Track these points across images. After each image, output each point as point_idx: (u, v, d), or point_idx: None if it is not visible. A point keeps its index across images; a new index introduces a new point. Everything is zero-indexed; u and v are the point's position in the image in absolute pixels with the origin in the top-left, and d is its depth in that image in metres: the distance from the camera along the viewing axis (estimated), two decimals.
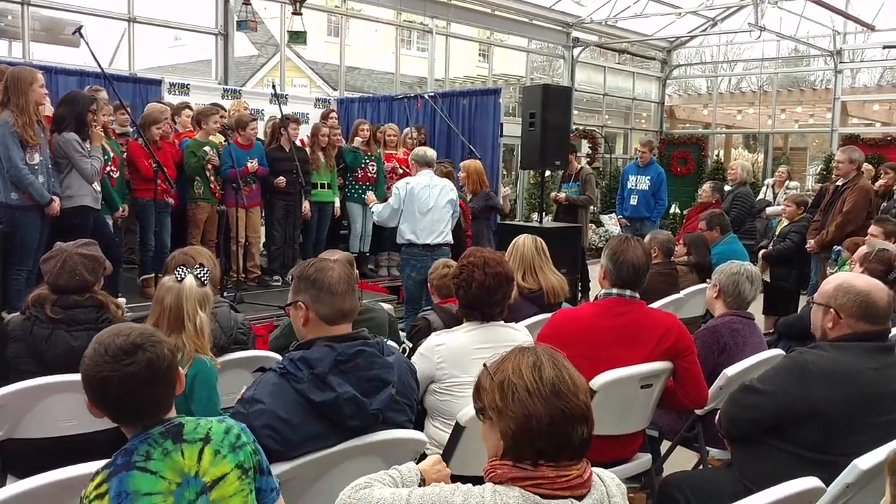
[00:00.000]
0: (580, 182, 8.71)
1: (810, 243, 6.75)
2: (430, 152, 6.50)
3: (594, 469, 1.65)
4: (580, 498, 1.55)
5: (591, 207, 9.37)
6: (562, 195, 8.66)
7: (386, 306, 4.84)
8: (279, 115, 7.40)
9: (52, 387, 2.79)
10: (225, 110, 7.23)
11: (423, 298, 6.05)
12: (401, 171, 8.34)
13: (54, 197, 5.12)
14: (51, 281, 3.02)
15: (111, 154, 6.17)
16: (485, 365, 1.67)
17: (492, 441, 1.61)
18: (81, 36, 5.68)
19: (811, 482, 2.08)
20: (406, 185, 6.14)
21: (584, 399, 1.58)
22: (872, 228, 5.27)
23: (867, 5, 13.37)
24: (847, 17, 13.10)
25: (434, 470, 1.94)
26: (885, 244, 4.65)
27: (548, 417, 1.53)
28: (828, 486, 2.15)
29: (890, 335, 2.72)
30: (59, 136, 5.24)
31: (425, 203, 6.10)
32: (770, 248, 7.38)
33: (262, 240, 7.80)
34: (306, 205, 7.54)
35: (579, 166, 9.04)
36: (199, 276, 2.72)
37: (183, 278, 2.68)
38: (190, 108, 7.47)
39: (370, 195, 6.88)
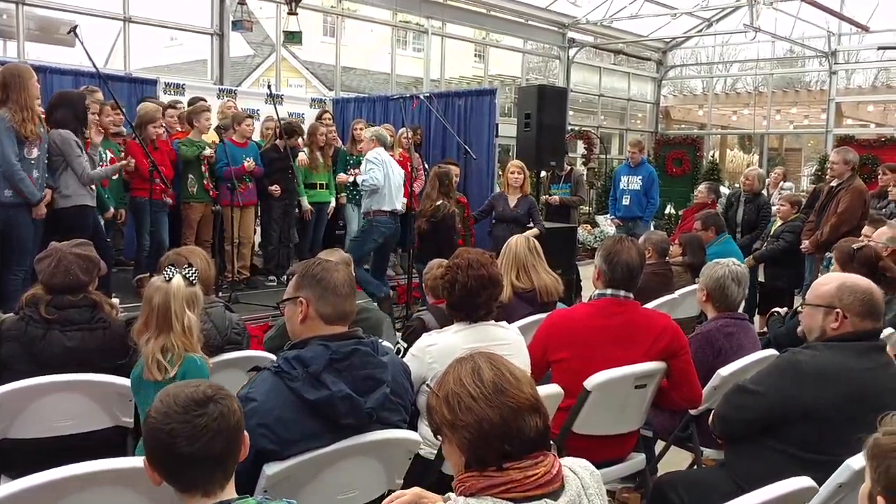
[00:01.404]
0: (572, 183, 8.74)
1: (805, 244, 6.76)
2: (388, 135, 7.08)
3: (565, 461, 1.65)
4: (554, 495, 1.54)
5: (582, 207, 9.41)
6: (555, 198, 8.68)
7: None
8: (275, 118, 7.40)
9: (47, 387, 2.79)
10: (209, 111, 7.19)
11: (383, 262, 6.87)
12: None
13: (46, 193, 5.08)
14: (45, 280, 3.01)
15: (109, 154, 6.17)
16: (428, 385, 1.67)
17: (454, 457, 1.61)
18: (76, 35, 5.66)
19: (804, 482, 2.09)
20: (377, 157, 6.58)
21: (530, 391, 1.59)
22: (866, 229, 5.27)
23: (861, 7, 13.43)
24: (841, 18, 13.15)
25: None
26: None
27: (498, 417, 1.53)
28: (821, 485, 2.15)
29: (881, 335, 2.73)
30: (55, 133, 5.21)
31: (392, 174, 6.63)
32: (763, 248, 7.39)
33: (256, 240, 7.78)
34: (304, 202, 7.54)
35: (570, 167, 9.08)
36: (187, 275, 2.71)
37: (171, 278, 2.68)
38: (174, 107, 7.41)
39: (341, 176, 7.11)
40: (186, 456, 1.63)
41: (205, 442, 1.63)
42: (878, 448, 1.47)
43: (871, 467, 1.48)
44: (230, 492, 1.71)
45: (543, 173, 9.12)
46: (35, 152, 4.97)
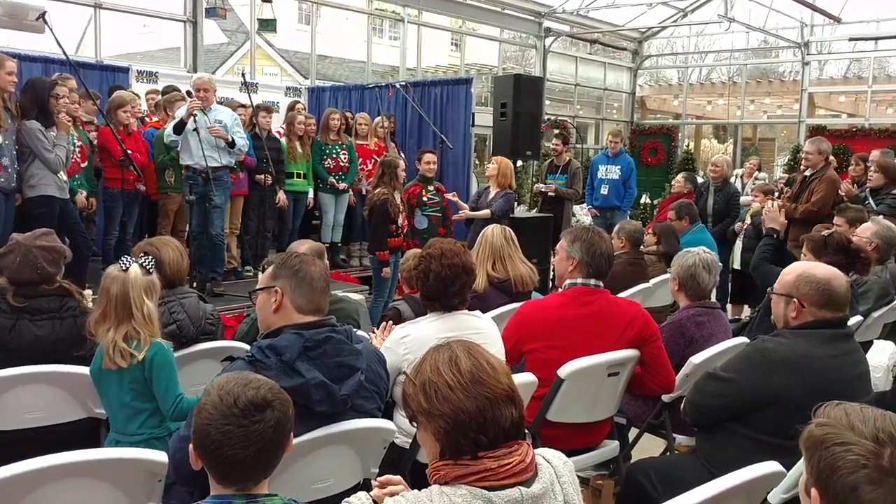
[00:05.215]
0: (569, 175, 8.72)
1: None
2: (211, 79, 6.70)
3: (538, 451, 1.67)
4: (527, 483, 1.56)
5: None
6: (552, 186, 8.65)
7: (356, 297, 4.86)
8: (250, 104, 7.34)
9: (17, 378, 2.76)
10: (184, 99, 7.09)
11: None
12: (374, 160, 8.34)
13: None
14: (12, 277, 2.96)
15: (77, 143, 6.06)
16: (404, 372, 1.68)
17: (429, 444, 1.62)
18: (45, 22, 5.57)
19: (771, 466, 2.13)
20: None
21: (507, 381, 1.60)
22: (836, 219, 5.33)
23: None
24: (814, 9, 13.26)
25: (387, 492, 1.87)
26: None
27: (474, 407, 1.54)
28: (788, 470, 2.19)
29: (848, 322, 2.78)
30: (22, 125, 5.15)
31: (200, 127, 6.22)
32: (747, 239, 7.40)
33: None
34: (281, 194, 7.49)
35: (568, 157, 9.03)
36: (144, 264, 2.72)
37: (128, 267, 2.68)
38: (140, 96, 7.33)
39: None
40: (233, 458, 1.64)
41: (257, 448, 1.64)
42: (811, 439, 1.44)
43: (805, 458, 1.45)
44: (263, 487, 1.71)
45: (520, 162, 9.10)
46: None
